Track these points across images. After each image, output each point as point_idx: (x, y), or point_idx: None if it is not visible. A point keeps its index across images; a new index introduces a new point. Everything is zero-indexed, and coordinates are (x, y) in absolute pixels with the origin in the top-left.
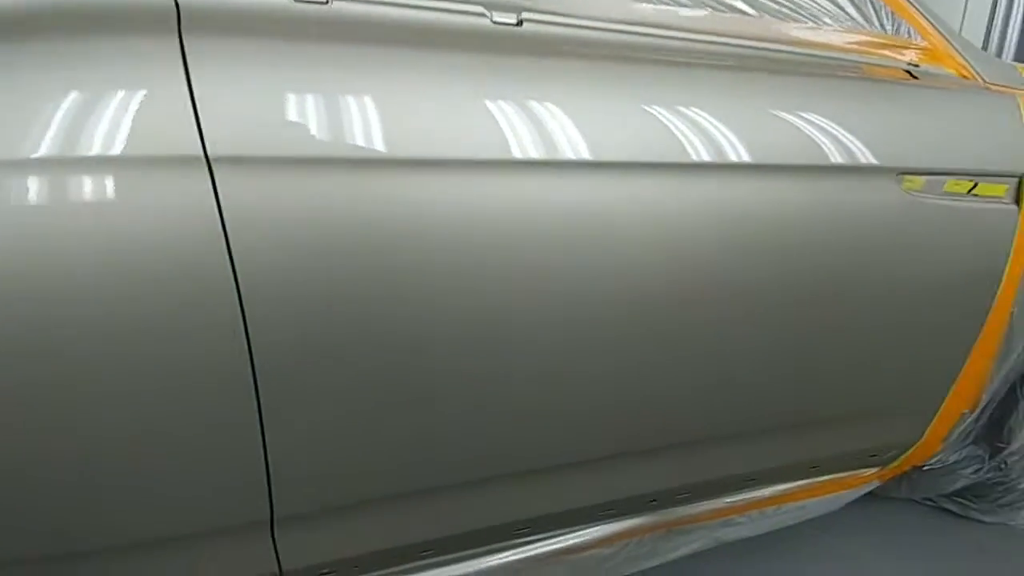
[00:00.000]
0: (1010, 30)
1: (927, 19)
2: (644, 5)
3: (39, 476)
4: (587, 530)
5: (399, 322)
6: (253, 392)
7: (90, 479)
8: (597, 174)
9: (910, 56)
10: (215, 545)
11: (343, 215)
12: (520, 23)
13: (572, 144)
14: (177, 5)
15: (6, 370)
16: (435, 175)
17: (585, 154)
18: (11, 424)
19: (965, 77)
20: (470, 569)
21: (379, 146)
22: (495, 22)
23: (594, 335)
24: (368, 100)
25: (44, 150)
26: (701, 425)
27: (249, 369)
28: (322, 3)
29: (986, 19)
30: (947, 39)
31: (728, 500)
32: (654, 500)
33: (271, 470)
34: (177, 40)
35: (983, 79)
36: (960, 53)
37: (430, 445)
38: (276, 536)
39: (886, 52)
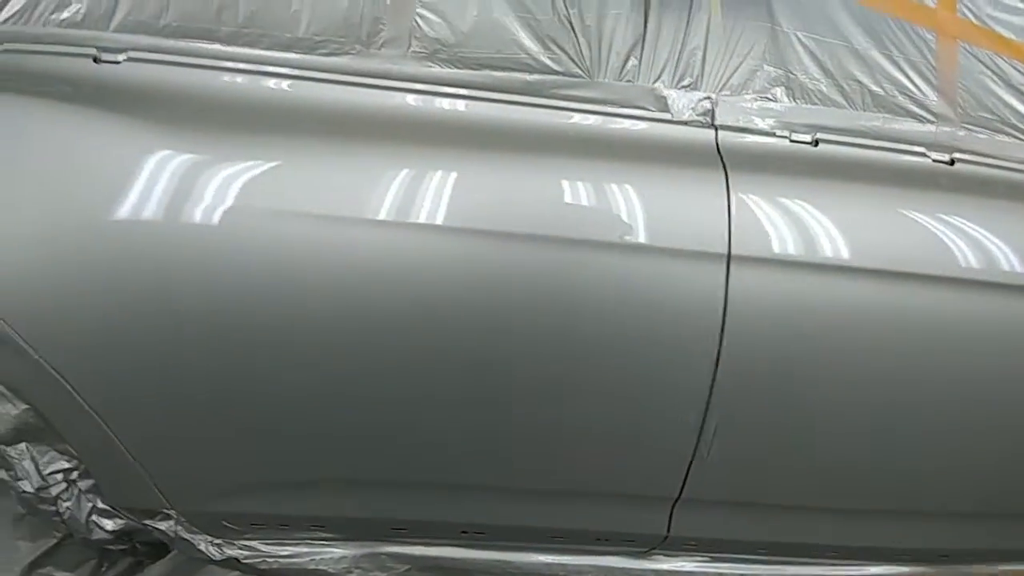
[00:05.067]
0: None
1: None
2: None
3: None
4: (877, 566)
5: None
6: (707, 397)
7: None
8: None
9: None
10: (626, 506)
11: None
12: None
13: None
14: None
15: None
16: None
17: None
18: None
19: None
20: (781, 572)
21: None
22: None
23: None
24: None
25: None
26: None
27: (710, 383)
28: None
29: None
30: None
31: (1003, 567)
32: (946, 556)
33: (693, 463)
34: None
35: None
36: None
37: (819, 472)
38: (674, 511)
39: None
